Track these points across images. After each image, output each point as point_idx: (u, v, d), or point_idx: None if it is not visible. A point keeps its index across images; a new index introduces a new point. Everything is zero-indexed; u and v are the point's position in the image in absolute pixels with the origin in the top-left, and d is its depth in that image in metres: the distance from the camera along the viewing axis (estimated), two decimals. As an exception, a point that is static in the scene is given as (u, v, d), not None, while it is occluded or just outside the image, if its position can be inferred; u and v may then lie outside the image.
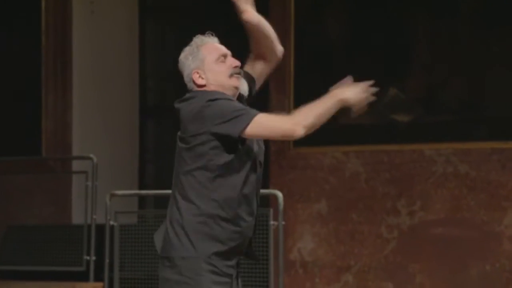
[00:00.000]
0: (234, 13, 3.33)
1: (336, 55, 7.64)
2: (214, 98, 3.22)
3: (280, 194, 6.42)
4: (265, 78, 3.51)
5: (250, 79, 3.43)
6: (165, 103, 9.51)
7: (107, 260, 6.81)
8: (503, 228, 7.19)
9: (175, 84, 9.41)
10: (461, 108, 7.39)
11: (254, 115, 3.11)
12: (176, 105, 3.34)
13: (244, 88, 3.31)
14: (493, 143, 7.25)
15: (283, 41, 7.79)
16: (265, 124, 3.10)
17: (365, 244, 7.49)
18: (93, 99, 8.54)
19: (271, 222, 6.36)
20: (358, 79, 2.98)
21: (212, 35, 3.36)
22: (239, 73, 3.31)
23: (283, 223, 6.57)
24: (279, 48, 3.46)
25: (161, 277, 3.29)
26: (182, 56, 3.39)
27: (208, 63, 3.30)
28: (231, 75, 3.30)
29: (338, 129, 7.56)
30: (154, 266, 6.86)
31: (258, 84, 3.48)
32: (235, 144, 3.17)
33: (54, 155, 8.26)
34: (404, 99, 7.51)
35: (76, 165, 8.16)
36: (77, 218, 8.03)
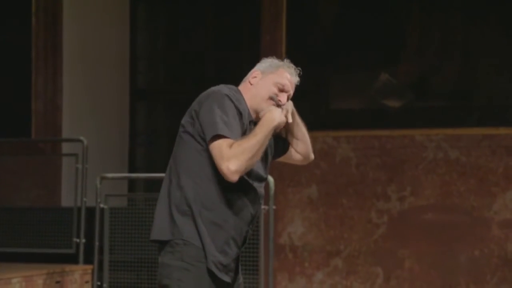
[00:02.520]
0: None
1: (327, 40, 7.62)
2: (223, 94, 3.26)
3: (271, 179, 6.42)
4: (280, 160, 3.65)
5: (284, 144, 3.53)
6: (155, 86, 9.49)
7: (97, 243, 6.81)
8: (492, 214, 7.22)
9: (166, 67, 9.38)
10: (452, 94, 7.39)
11: (221, 136, 3.15)
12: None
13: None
14: (483, 129, 7.27)
15: (275, 25, 7.80)
16: (215, 151, 3.16)
17: (355, 229, 7.51)
18: (83, 81, 8.50)
19: (262, 207, 6.36)
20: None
21: (299, 73, 3.45)
22: (276, 105, 3.38)
23: (274, 207, 6.57)
24: (311, 157, 3.61)
25: (161, 262, 3.25)
26: (267, 59, 3.49)
27: (270, 78, 3.39)
28: (270, 98, 3.37)
29: (329, 114, 7.56)
30: (144, 249, 6.86)
31: (279, 156, 3.57)
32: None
33: (44, 137, 8.23)
34: (395, 84, 7.51)
35: (66, 148, 8.13)
36: (67, 200, 8.01)
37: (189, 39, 9.08)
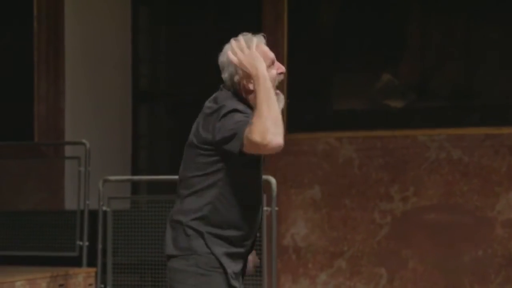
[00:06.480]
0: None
1: (329, 41, 7.62)
2: (228, 111, 3.14)
3: (273, 180, 6.42)
4: None
5: None
6: (158, 88, 9.49)
7: (100, 246, 6.81)
8: (495, 214, 7.21)
9: (168, 69, 9.39)
10: (455, 94, 7.39)
11: (242, 132, 3.05)
12: (207, 104, 3.26)
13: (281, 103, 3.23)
14: (486, 128, 7.26)
15: (276, 26, 7.80)
16: (247, 141, 3.05)
17: (358, 229, 7.51)
18: (85, 84, 8.51)
19: (264, 208, 6.35)
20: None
21: (264, 37, 3.34)
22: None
23: (276, 208, 6.57)
24: (265, 142, 3.25)
25: (172, 267, 3.22)
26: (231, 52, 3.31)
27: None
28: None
29: (331, 114, 7.56)
30: (147, 251, 6.86)
31: None
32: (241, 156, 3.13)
33: (46, 140, 8.23)
34: (397, 84, 7.50)
35: (68, 151, 8.14)
36: (69, 203, 8.01)
37: (191, 41, 9.09)
